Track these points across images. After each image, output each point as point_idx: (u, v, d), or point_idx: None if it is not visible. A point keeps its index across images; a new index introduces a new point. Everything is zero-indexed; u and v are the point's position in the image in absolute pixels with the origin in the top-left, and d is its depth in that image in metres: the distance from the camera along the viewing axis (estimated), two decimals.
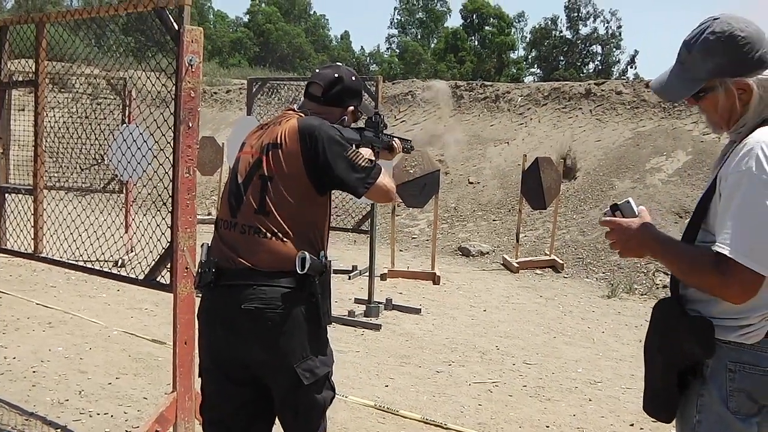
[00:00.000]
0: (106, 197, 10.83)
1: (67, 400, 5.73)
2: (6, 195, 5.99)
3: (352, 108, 3.73)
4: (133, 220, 10.81)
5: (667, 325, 2.63)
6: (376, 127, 3.98)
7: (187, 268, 4.37)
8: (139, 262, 5.07)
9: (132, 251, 10.39)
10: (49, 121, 6.54)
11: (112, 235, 5.88)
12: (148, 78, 5.17)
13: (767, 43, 2.50)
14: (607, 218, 2.65)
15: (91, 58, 6.01)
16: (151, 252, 4.88)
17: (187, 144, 4.36)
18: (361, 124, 3.96)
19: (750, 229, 2.35)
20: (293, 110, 3.61)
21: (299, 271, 3.25)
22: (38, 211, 5.49)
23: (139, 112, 10.65)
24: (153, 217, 5.06)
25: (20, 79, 6.01)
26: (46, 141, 5.38)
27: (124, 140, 5.96)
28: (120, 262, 9.74)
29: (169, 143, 4.55)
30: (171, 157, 4.46)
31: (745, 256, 2.32)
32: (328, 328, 3.43)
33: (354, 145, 3.61)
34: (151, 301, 8.63)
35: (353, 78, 3.73)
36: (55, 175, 11.30)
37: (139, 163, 5.92)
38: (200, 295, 3.48)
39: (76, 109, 12.21)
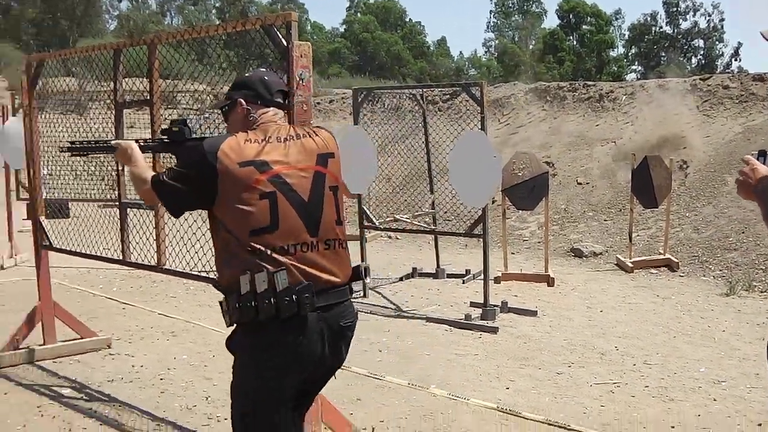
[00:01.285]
0: None
1: (195, 405, 5.92)
2: (128, 210, 6.21)
3: None
4: None
5: None
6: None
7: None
8: None
9: None
10: None
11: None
12: None
13: None
14: (748, 156, 2.75)
15: (195, 74, 6.18)
16: None
17: None
18: None
19: None
20: (275, 120, 3.58)
21: (365, 280, 3.53)
22: (159, 225, 5.68)
23: None
24: None
25: (132, 99, 6.20)
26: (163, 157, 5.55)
27: None
28: None
29: None
30: None
31: None
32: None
33: None
34: None
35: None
36: None
37: None
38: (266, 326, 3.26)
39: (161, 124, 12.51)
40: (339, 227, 3.47)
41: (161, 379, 6.57)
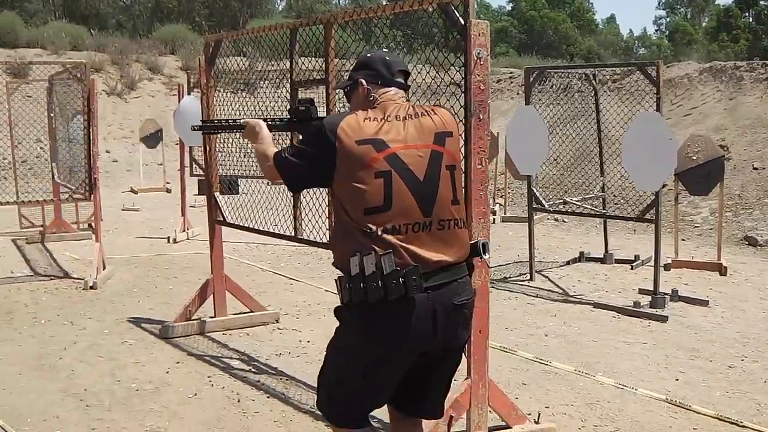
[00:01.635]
0: None
1: None
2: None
3: None
4: None
5: None
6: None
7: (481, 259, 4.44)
8: None
9: None
10: None
11: None
12: (422, 71, 5.28)
13: None
14: None
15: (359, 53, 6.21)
16: None
17: (478, 136, 4.43)
18: None
19: None
20: (395, 99, 3.56)
21: (484, 256, 3.51)
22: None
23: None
24: None
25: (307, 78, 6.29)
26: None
27: None
28: None
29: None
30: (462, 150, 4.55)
31: None
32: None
33: None
34: None
35: None
36: None
37: None
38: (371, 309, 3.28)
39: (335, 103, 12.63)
40: (455, 206, 3.45)
41: None
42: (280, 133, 4.32)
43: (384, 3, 5.04)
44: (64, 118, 11.72)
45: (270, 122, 3.98)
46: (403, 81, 3.66)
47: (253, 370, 6.33)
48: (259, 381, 6.04)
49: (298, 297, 8.72)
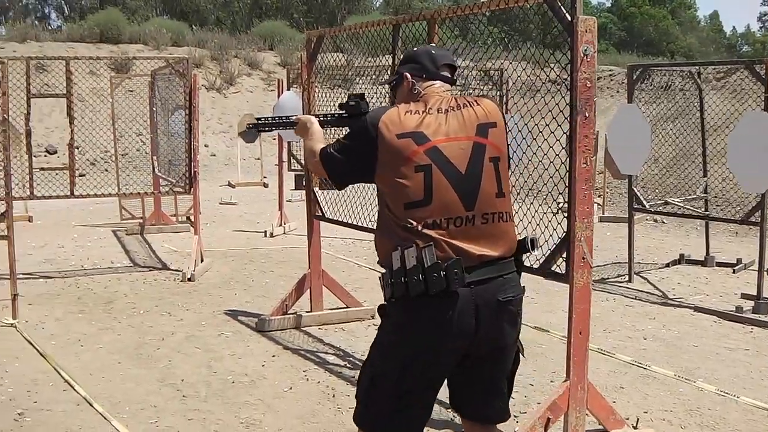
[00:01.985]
0: None
1: None
2: None
3: None
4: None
5: None
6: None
7: (584, 258, 4.37)
8: None
9: None
10: None
11: None
12: (518, 68, 5.22)
13: None
14: None
15: (459, 51, 6.17)
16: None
17: (584, 134, 4.36)
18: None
19: None
20: (439, 92, 3.52)
21: (532, 252, 3.45)
22: None
23: (513, 102, 10.85)
24: (530, 205, 5.08)
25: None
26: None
27: None
28: None
29: (552, 133, 4.59)
30: (567, 147, 4.48)
31: None
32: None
33: None
34: (532, 288, 8.61)
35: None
36: None
37: (515, 152, 5.99)
38: (413, 303, 3.25)
39: None
40: (500, 200, 3.35)
41: None
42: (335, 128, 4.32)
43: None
44: (165, 112, 11.93)
45: (322, 118, 4.01)
46: (449, 75, 3.61)
47: (348, 365, 6.33)
48: (353, 377, 6.02)
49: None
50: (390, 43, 6.12)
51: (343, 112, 3.90)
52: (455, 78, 3.69)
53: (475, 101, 3.46)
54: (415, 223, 3.23)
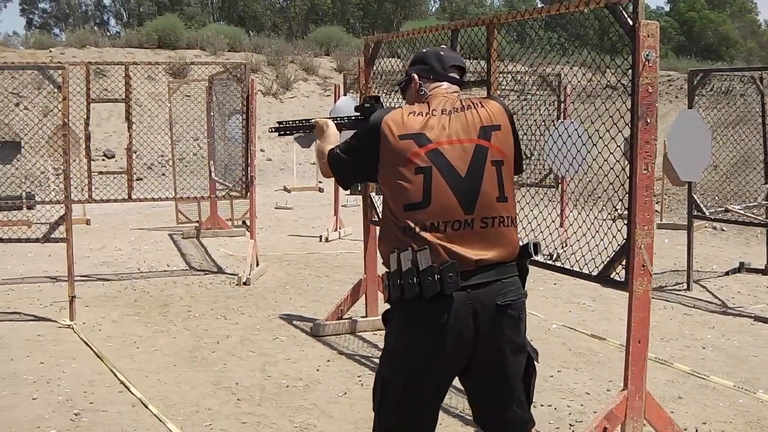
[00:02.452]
0: (535, 191, 10.85)
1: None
2: None
3: None
4: (570, 214, 10.77)
5: None
6: None
7: (643, 266, 4.29)
8: (583, 256, 5.05)
9: (566, 245, 10.37)
10: None
11: (547, 227, 5.93)
12: (578, 73, 5.16)
13: None
14: None
15: (518, 56, 6.14)
16: (592, 247, 4.86)
17: (645, 140, 4.28)
18: None
19: None
20: (445, 93, 3.47)
21: (534, 256, 3.35)
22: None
23: (574, 108, 10.73)
24: (589, 212, 5.03)
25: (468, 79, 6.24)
26: None
27: (560, 136, 5.99)
28: (554, 255, 9.81)
29: (613, 138, 4.52)
30: (626, 154, 4.41)
31: None
32: None
33: None
34: (588, 296, 8.64)
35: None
36: None
37: (574, 158, 5.93)
38: (409, 306, 3.23)
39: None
40: (502, 204, 3.29)
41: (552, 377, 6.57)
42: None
43: (539, 5, 4.93)
44: (221, 117, 12.01)
45: (338, 121, 4.00)
46: (456, 76, 3.58)
47: None
48: None
49: None
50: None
51: (359, 114, 3.90)
52: (465, 79, 3.68)
53: (481, 103, 3.40)
54: (413, 225, 3.21)
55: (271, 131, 4.41)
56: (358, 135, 3.53)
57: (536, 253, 3.37)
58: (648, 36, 4.20)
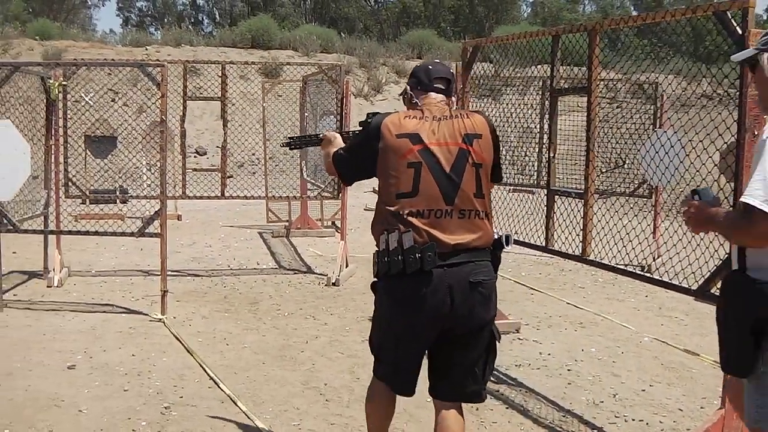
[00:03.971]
0: (625, 200, 10.69)
1: (602, 402, 5.79)
2: (556, 198, 6.21)
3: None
4: (661, 224, 10.56)
5: (736, 294, 3.17)
6: None
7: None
8: (680, 269, 4.96)
9: (659, 257, 10.20)
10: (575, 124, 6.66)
11: (636, 236, 5.84)
12: (674, 82, 5.06)
13: None
14: (689, 202, 3.27)
15: (611, 63, 6.06)
16: (691, 260, 4.76)
17: (751, 152, 4.17)
18: None
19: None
20: (434, 102, 4.03)
21: (506, 247, 3.93)
22: (588, 215, 5.60)
23: (667, 117, 10.53)
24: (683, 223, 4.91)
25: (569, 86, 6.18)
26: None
27: (654, 145, 5.89)
28: (646, 267, 9.64)
29: (694, 148, 4.42)
30: (732, 166, 4.32)
31: (763, 203, 2.82)
32: None
33: None
34: (681, 310, 8.45)
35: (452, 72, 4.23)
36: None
37: (667, 168, 5.82)
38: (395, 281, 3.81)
39: (597, 112, 12.27)
40: (478, 200, 3.85)
41: (568, 369, 6.51)
42: None
43: (633, 11, 4.87)
44: (314, 117, 12.08)
45: (344, 134, 4.54)
46: (442, 87, 4.08)
47: (492, 379, 6.24)
48: (498, 390, 5.96)
49: (539, 308, 8.57)
50: (543, 54, 6.04)
51: (361, 128, 4.22)
52: (450, 89, 4.14)
53: (467, 114, 4.00)
54: (401, 211, 3.78)
55: (283, 146, 4.91)
56: (359, 136, 4.14)
57: (507, 244, 3.94)
58: None
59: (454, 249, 3.76)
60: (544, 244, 6.25)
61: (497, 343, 4.03)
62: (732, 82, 4.35)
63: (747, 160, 4.14)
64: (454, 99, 4.24)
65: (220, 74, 10.21)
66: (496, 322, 4.44)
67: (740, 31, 4.15)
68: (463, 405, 4.51)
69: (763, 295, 2.99)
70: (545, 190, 6.32)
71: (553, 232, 6.10)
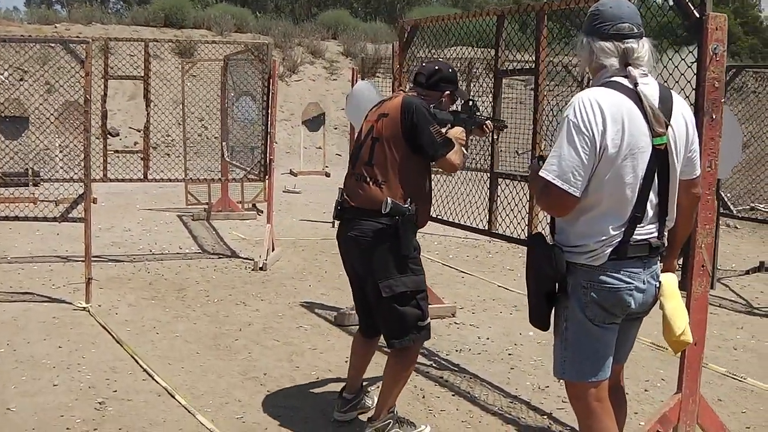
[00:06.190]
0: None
1: (548, 386, 5.76)
2: (498, 180, 6.13)
3: (448, 93, 4.77)
4: None
5: (535, 253, 3.55)
6: (470, 110, 4.86)
7: (703, 266, 4.17)
8: None
9: None
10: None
11: None
12: None
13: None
14: (531, 164, 3.68)
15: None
16: None
17: (710, 137, 4.16)
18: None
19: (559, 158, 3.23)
20: (403, 91, 5.13)
21: (383, 212, 4.36)
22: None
23: None
24: None
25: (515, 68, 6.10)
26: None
27: None
28: None
29: None
30: None
31: (555, 177, 3.21)
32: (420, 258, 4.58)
33: (447, 125, 4.69)
34: None
35: (450, 70, 4.80)
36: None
37: None
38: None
39: (546, 95, 12.28)
40: (366, 167, 4.54)
41: (509, 354, 6.47)
42: None
43: None
44: (230, 98, 11.86)
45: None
46: (419, 80, 4.78)
47: (434, 365, 6.16)
48: (441, 377, 5.88)
49: (471, 291, 8.53)
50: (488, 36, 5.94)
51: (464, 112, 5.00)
52: (420, 81, 4.78)
53: (394, 96, 4.78)
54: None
55: (501, 129, 5.63)
56: None
57: (384, 209, 4.35)
58: (716, 29, 4.05)
59: (350, 206, 4.57)
60: (486, 227, 6.16)
61: (400, 308, 4.50)
62: (689, 65, 4.30)
63: (704, 144, 4.11)
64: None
65: (134, 53, 9.90)
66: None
67: (698, 14, 4.09)
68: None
69: (553, 256, 3.39)
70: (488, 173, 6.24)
71: (497, 215, 6.02)
